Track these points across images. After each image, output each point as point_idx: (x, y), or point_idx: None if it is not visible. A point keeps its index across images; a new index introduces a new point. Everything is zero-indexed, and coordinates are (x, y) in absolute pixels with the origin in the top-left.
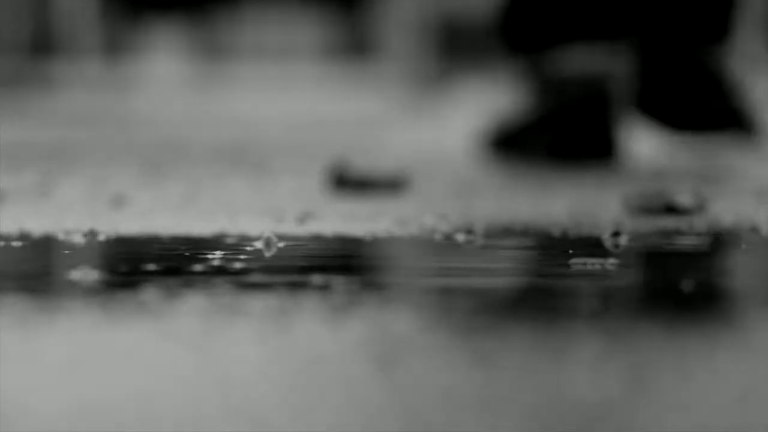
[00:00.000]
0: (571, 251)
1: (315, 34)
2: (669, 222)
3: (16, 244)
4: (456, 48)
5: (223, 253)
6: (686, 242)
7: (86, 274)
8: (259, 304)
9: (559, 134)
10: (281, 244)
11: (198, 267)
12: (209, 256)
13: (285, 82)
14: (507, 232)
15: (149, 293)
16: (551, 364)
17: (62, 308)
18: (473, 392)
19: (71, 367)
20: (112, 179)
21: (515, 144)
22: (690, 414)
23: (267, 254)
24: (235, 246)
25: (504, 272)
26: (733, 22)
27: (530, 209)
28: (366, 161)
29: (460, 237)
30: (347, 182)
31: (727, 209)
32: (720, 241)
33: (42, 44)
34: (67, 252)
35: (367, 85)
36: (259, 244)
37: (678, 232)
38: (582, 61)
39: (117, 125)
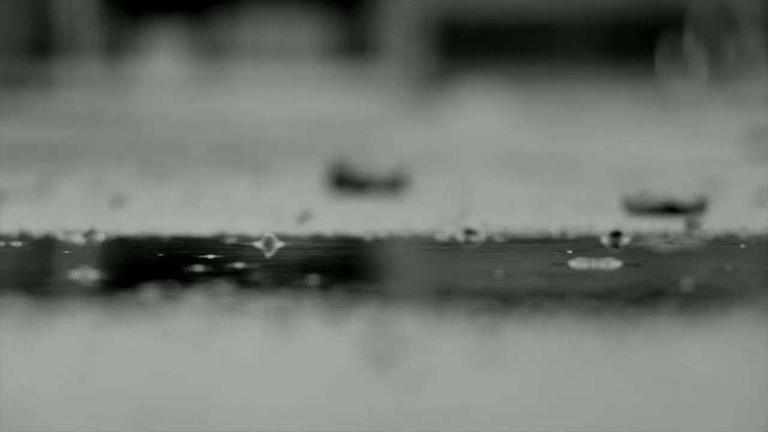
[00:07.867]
0: (570, 251)
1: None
2: (669, 222)
3: (16, 244)
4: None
5: (222, 253)
6: (686, 242)
7: (86, 274)
8: (259, 304)
9: None
10: (281, 244)
11: (198, 267)
12: (209, 256)
13: (285, 82)
14: (507, 231)
15: (149, 293)
16: (552, 364)
17: (62, 308)
18: (473, 392)
19: (71, 367)
20: (112, 179)
21: None
22: (689, 413)
23: (267, 254)
24: (235, 246)
25: (504, 272)
26: None
27: (530, 208)
28: (365, 161)
29: (460, 237)
30: (347, 182)
31: (726, 210)
32: (719, 240)
33: (42, 44)
34: (67, 252)
35: (367, 85)
36: (259, 244)
37: (678, 232)
38: None
39: (117, 125)
